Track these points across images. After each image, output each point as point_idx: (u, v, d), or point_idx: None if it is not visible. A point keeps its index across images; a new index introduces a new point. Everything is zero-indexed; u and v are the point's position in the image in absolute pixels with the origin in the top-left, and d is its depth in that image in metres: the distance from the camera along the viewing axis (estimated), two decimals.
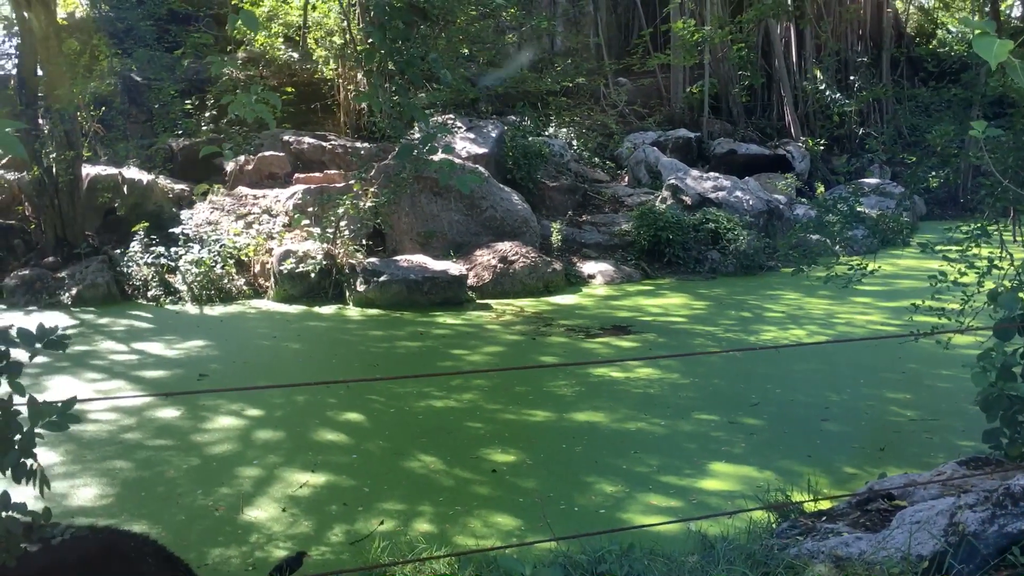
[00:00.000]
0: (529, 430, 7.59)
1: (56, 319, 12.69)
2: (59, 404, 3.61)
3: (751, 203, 18.81)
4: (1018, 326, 4.89)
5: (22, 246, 15.91)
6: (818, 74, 28.54)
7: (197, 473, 6.55)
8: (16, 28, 17.13)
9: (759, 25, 26.02)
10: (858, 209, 9.08)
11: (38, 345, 3.92)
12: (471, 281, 14.85)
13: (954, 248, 7.22)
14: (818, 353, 10.12)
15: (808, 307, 13.29)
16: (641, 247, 17.18)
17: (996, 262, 7.08)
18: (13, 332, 3.91)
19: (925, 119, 25.55)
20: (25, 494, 3.48)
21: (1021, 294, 5.18)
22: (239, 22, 3.85)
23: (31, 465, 3.54)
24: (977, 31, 2.57)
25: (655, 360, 9.88)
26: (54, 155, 15.40)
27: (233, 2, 21.50)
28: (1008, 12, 23.46)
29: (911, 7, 34.61)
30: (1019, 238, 7.83)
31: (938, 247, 7.36)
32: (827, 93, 28.20)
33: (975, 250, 7.33)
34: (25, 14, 15.47)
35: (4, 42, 22.25)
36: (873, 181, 21.90)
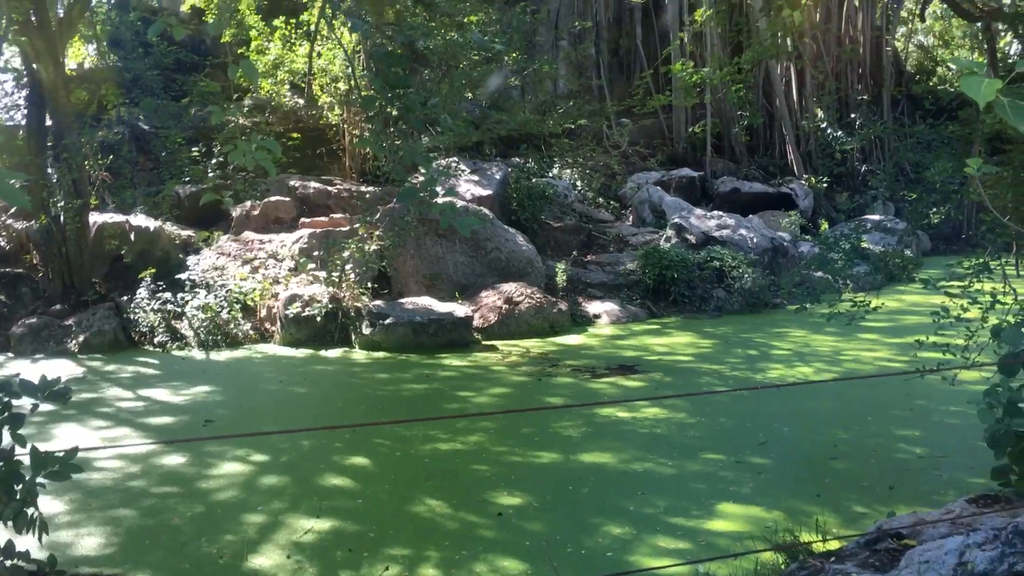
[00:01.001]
0: (535, 472, 7.55)
1: (63, 367, 12.72)
2: (61, 454, 3.62)
3: (755, 241, 18.85)
4: (1023, 362, 4.87)
5: (29, 294, 15.99)
6: (819, 112, 28.75)
7: (202, 520, 6.52)
8: (25, 79, 17.37)
9: (759, 65, 26.27)
10: (861, 246, 9.10)
11: (41, 396, 3.93)
12: (477, 322, 14.86)
13: (957, 284, 7.22)
14: (825, 390, 10.07)
15: (815, 344, 13.25)
16: (646, 286, 17.18)
17: (999, 297, 7.08)
18: (17, 382, 3.93)
19: (926, 155, 25.69)
20: (28, 542, 3.47)
21: None
22: (240, 72, 3.91)
23: (32, 514, 3.54)
24: (966, 71, 2.60)
25: (662, 399, 9.84)
26: (62, 204, 15.54)
27: (239, 51, 21.82)
28: (1007, 49, 23.66)
29: (911, 45, 34.95)
30: (1022, 273, 7.82)
31: (941, 283, 7.36)
32: (828, 131, 28.38)
33: (978, 285, 7.32)
34: (35, 66, 15.72)
35: (13, 93, 22.53)
36: (876, 217, 21.95)
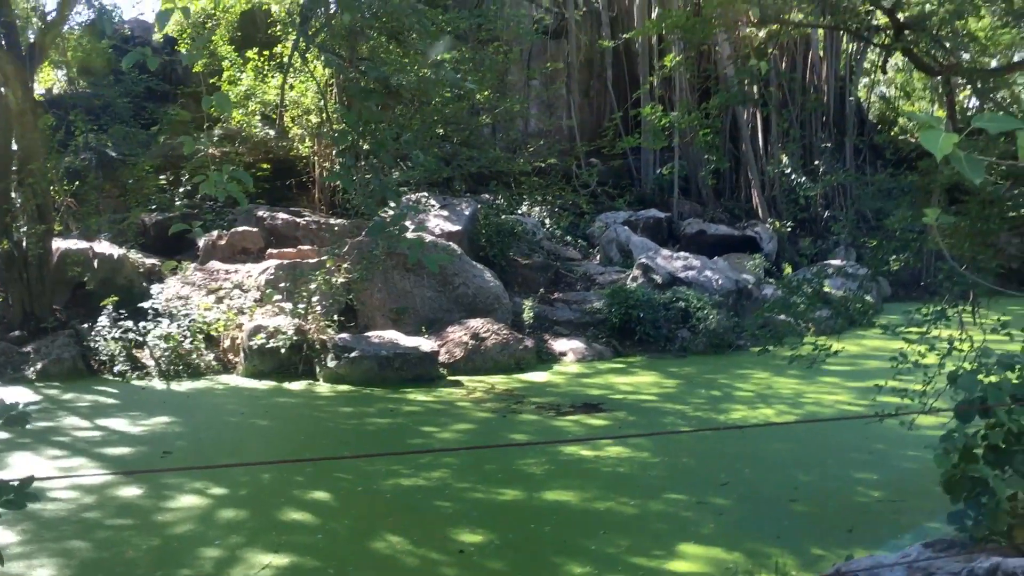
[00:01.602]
0: (498, 509, 7.52)
1: (19, 394, 12.49)
2: (16, 483, 3.56)
3: (720, 283, 19.05)
4: (978, 408, 4.96)
5: None
6: (784, 159, 29.25)
7: (157, 554, 6.42)
8: None
9: (726, 111, 26.72)
10: (823, 290, 9.25)
11: None
12: (443, 358, 14.83)
13: (915, 330, 7.35)
14: (787, 432, 10.16)
15: (777, 386, 13.37)
16: (612, 325, 17.26)
17: (956, 344, 7.21)
18: None
19: (887, 203, 26.19)
20: None
21: (980, 376, 5.27)
22: (213, 103, 3.93)
23: None
24: (925, 125, 2.69)
25: (625, 439, 9.86)
26: (25, 229, 15.35)
27: (211, 81, 21.83)
28: (966, 103, 24.27)
29: (873, 96, 35.76)
30: (979, 320, 7.98)
31: (900, 328, 7.49)
32: (793, 177, 28.87)
33: (936, 332, 7.46)
34: (2, 90, 15.60)
35: None
36: (838, 263, 22.26)
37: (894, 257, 8.81)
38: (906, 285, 24.53)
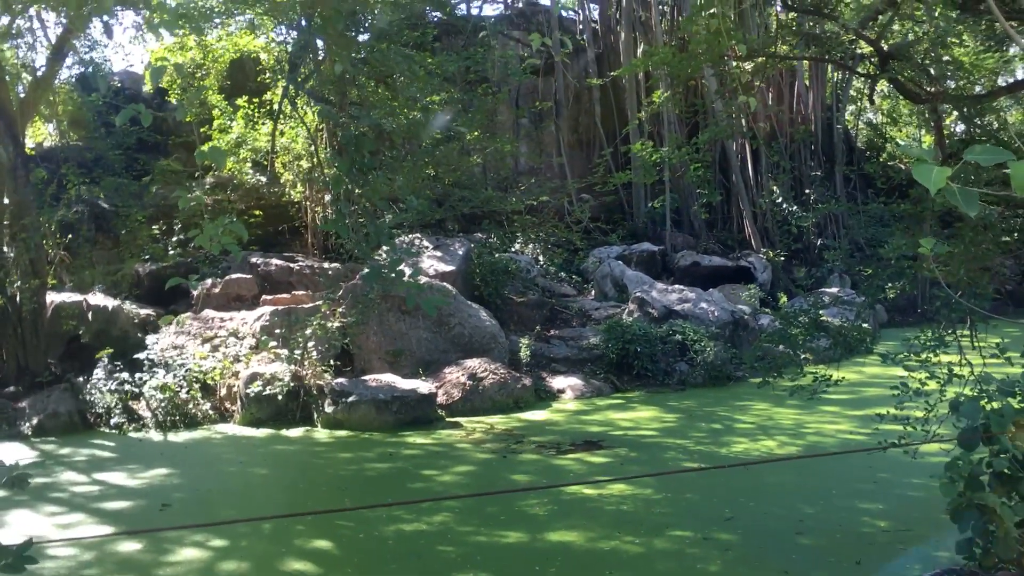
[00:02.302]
0: (501, 552, 7.44)
1: (15, 451, 12.39)
2: (14, 547, 3.52)
3: (716, 314, 19.05)
4: (981, 435, 4.95)
5: None
6: (775, 189, 29.43)
7: None
8: None
9: (716, 143, 26.94)
10: (820, 320, 9.25)
11: None
12: (441, 399, 14.76)
13: (915, 358, 7.35)
14: (789, 464, 10.10)
15: (778, 417, 13.32)
16: (610, 360, 17.22)
17: (956, 370, 7.20)
18: None
19: (880, 230, 26.33)
20: None
21: (982, 402, 5.26)
22: (206, 155, 3.94)
23: None
24: (917, 159, 2.71)
25: (628, 477, 9.80)
26: (19, 284, 15.32)
27: (202, 130, 21.95)
28: (953, 127, 24.51)
29: (860, 123, 36.07)
30: (977, 345, 7.98)
31: (899, 356, 7.49)
32: (784, 207, 29.03)
33: (935, 359, 7.46)
34: None
35: None
36: (833, 291, 22.35)
37: (890, 285, 8.83)
38: (902, 311, 24.58)
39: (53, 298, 16.55)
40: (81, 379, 14.92)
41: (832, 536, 7.53)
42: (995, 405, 5.23)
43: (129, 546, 7.87)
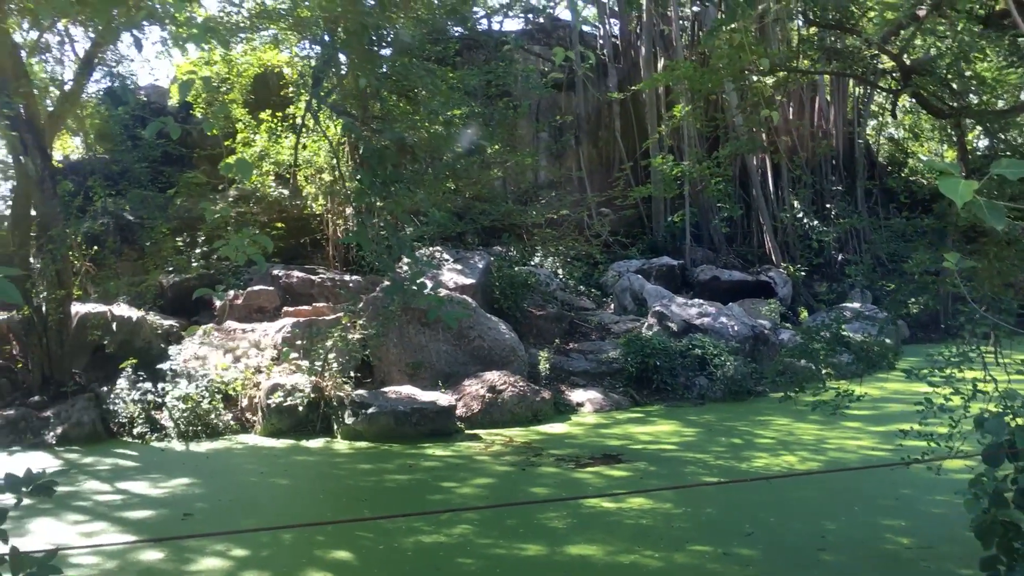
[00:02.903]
0: (521, 565, 7.44)
1: (39, 460, 12.51)
2: (41, 554, 3.57)
3: (736, 329, 18.98)
4: (1006, 452, 4.91)
5: (8, 385, 15.80)
6: (795, 203, 29.32)
7: None
8: (12, 172, 17.52)
9: (736, 157, 26.88)
10: (842, 335, 9.21)
11: (25, 490, 3.89)
12: (460, 411, 14.78)
13: (938, 373, 7.30)
14: (810, 479, 10.04)
15: (799, 432, 13.25)
16: (629, 374, 17.20)
17: (980, 386, 7.15)
18: (1, 477, 3.89)
19: (902, 245, 26.15)
20: None
21: (1007, 419, 5.23)
22: (233, 168, 4.00)
23: None
24: (942, 173, 2.72)
25: (647, 491, 9.77)
26: (44, 294, 15.49)
27: (226, 143, 22.15)
28: (976, 142, 24.35)
29: (882, 138, 35.89)
30: (1002, 361, 7.92)
31: (923, 371, 7.44)
32: (805, 221, 28.91)
33: (960, 374, 7.40)
34: (22, 158, 15.87)
35: (0, 185, 22.71)
36: (855, 306, 22.19)
37: (913, 300, 8.78)
38: (925, 327, 24.37)
39: (78, 308, 16.73)
40: (105, 389, 15.07)
41: (855, 552, 7.48)
42: (1020, 421, 5.20)
43: (152, 555, 7.93)
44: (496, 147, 22.70)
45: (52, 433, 13.96)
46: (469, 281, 19.22)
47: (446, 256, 20.44)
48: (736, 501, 9.34)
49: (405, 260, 15.67)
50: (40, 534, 8.59)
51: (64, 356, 15.69)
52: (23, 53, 16.82)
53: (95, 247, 19.66)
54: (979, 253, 7.60)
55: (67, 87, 17.84)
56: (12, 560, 3.68)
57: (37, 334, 15.53)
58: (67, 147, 24.62)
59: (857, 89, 31.74)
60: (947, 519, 8.25)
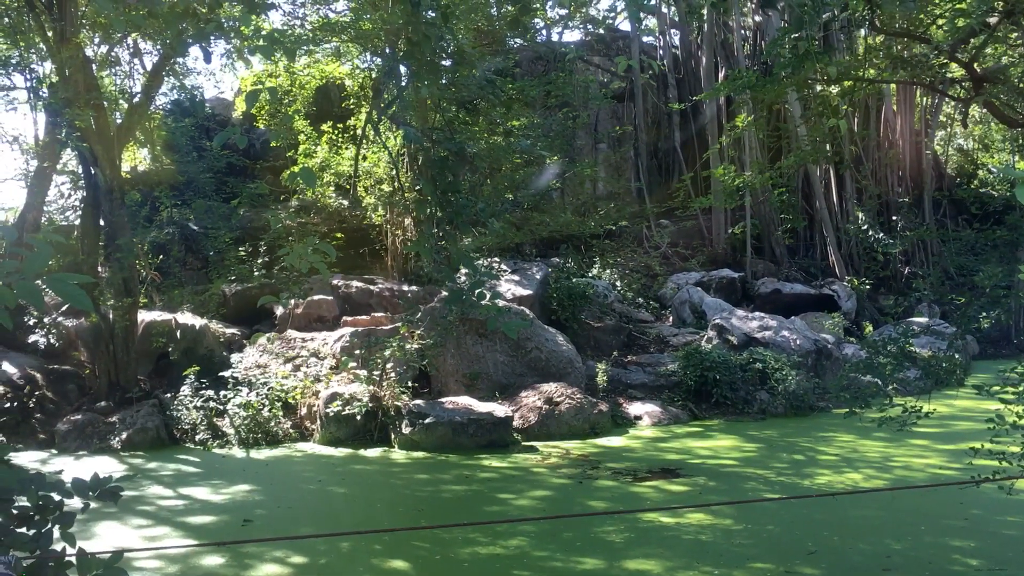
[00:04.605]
0: None
1: (105, 465, 12.80)
2: (107, 556, 3.62)
3: (798, 343, 18.64)
4: None
5: (76, 391, 16.22)
6: (860, 215, 28.74)
7: None
8: (82, 182, 18.01)
9: (799, 168, 26.46)
10: (909, 349, 8.96)
11: (92, 495, 3.96)
12: (516, 423, 14.75)
13: (1011, 390, 7.05)
14: (876, 498, 9.79)
15: (863, 450, 12.94)
16: (688, 387, 16.99)
17: None
18: (69, 481, 3.97)
19: (972, 259, 25.45)
20: None
21: None
22: (297, 178, 4.04)
23: None
24: (1018, 180, 2.61)
25: (707, 505, 9.62)
26: (112, 302, 15.88)
27: (288, 154, 22.51)
28: None
29: (950, 149, 35.04)
30: None
31: (994, 388, 7.20)
32: (870, 233, 28.31)
33: None
34: (92, 169, 16.32)
35: (69, 195, 23.36)
36: (922, 320, 21.65)
37: (984, 315, 8.52)
38: (995, 343, 23.68)
39: (144, 316, 17.12)
40: (168, 395, 15.37)
41: (921, 573, 7.26)
42: None
43: (212, 559, 8.04)
44: (555, 158, 22.69)
45: (118, 438, 14.28)
46: (527, 292, 19.21)
47: (504, 267, 20.47)
48: (798, 518, 9.14)
49: (464, 271, 15.75)
50: (105, 537, 8.77)
51: (130, 363, 16.06)
52: (94, 67, 17.32)
53: (160, 256, 20.12)
54: None
55: (136, 99, 18.31)
56: (79, 561, 3.75)
57: (104, 341, 15.92)
58: (134, 158, 25.24)
59: (925, 99, 31.04)
60: (1019, 541, 7.97)
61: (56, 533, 3.81)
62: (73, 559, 3.70)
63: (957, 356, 12.34)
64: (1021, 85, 9.31)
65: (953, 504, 9.32)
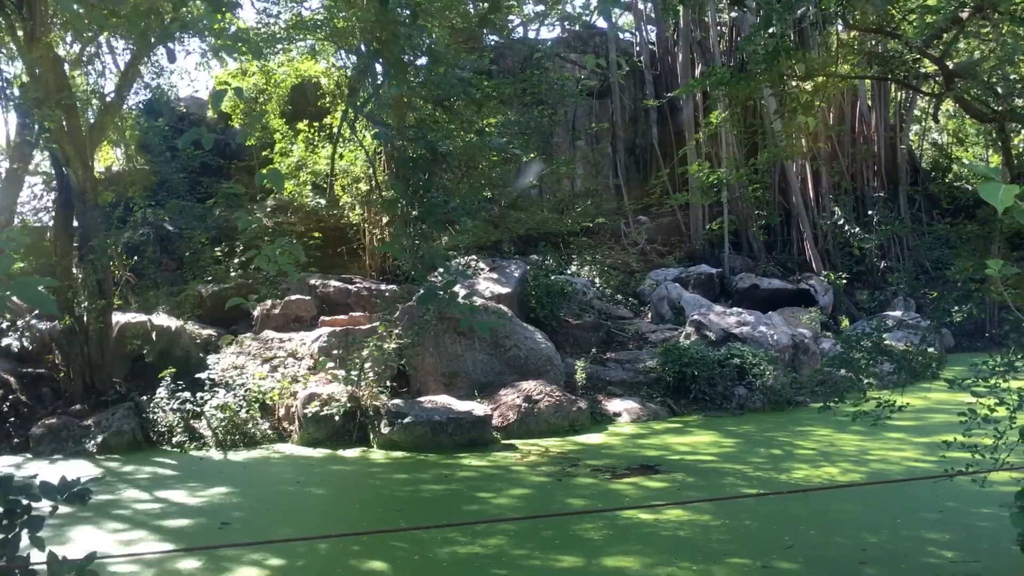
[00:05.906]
0: None
1: (80, 468, 12.67)
2: (77, 561, 3.58)
3: (776, 338, 18.74)
4: None
5: (50, 394, 16.05)
6: (836, 210, 28.93)
7: None
8: (55, 183, 17.81)
9: (775, 164, 26.59)
10: (884, 344, 9.02)
11: (60, 498, 3.91)
12: (496, 421, 14.73)
13: (983, 383, 7.11)
14: (853, 492, 9.86)
15: (840, 443, 13.03)
16: (667, 384, 17.04)
17: None
18: (38, 484, 3.92)
19: (946, 252, 25.66)
20: None
21: None
22: (266, 179, 4.00)
23: None
24: (984, 177, 2.63)
25: (685, 502, 9.65)
26: (85, 304, 15.72)
27: (263, 153, 22.39)
28: (1022, 147, 23.90)
29: (925, 143, 35.34)
30: None
31: (967, 381, 7.26)
32: (846, 228, 28.51)
33: (1005, 384, 7.21)
34: (64, 170, 16.14)
35: (42, 196, 23.12)
36: (897, 314, 21.80)
37: (956, 308, 8.59)
38: (970, 336, 23.91)
39: (119, 318, 16.96)
40: (144, 398, 15.24)
41: (897, 566, 7.31)
42: None
43: (189, 563, 7.97)
44: (532, 156, 22.68)
45: (93, 441, 14.14)
46: (505, 290, 19.19)
47: (482, 265, 20.44)
48: (776, 513, 9.19)
49: (439, 269, 15.71)
50: (80, 542, 8.68)
51: (105, 365, 15.91)
52: (66, 66, 17.13)
53: (135, 257, 19.93)
54: None
55: (108, 99, 18.13)
56: (50, 565, 3.70)
57: (78, 343, 15.76)
58: (107, 158, 25.01)
59: (899, 94, 31.27)
60: (992, 533, 8.04)
61: (24, 539, 3.76)
62: (41, 566, 3.66)
63: (931, 349, 12.46)
64: (991, 80, 9.41)
65: (928, 497, 9.41)
